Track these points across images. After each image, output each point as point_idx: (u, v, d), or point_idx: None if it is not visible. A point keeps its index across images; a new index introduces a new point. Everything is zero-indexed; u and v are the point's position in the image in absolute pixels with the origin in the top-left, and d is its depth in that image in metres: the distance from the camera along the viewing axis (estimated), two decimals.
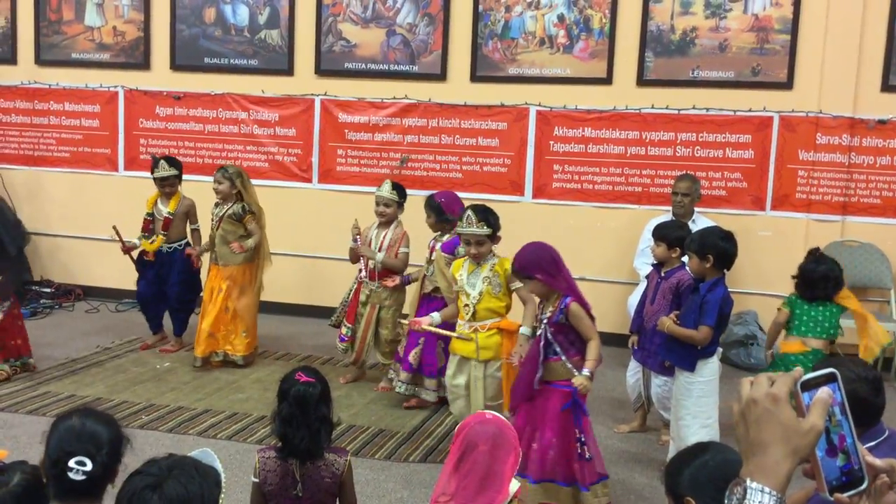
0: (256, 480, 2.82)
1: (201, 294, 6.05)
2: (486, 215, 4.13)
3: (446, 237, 5.08)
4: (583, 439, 3.67)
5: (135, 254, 6.14)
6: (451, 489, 2.52)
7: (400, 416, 5.08)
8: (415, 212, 5.48)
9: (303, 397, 2.75)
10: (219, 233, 5.80)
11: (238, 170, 5.92)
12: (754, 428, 1.06)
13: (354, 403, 5.27)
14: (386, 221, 5.41)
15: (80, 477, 1.98)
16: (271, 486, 2.80)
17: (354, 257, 5.49)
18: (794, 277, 4.42)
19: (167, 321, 6.30)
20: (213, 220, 5.89)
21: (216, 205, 5.90)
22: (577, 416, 3.66)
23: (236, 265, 5.80)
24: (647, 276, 4.75)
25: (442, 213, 5.12)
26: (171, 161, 6.13)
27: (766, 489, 1.04)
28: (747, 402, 1.08)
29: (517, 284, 4.13)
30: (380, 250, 5.37)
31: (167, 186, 6.06)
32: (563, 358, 3.67)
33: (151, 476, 1.79)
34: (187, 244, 6.16)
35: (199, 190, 6.40)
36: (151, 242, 6.07)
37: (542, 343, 3.67)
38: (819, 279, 4.31)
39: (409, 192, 6.00)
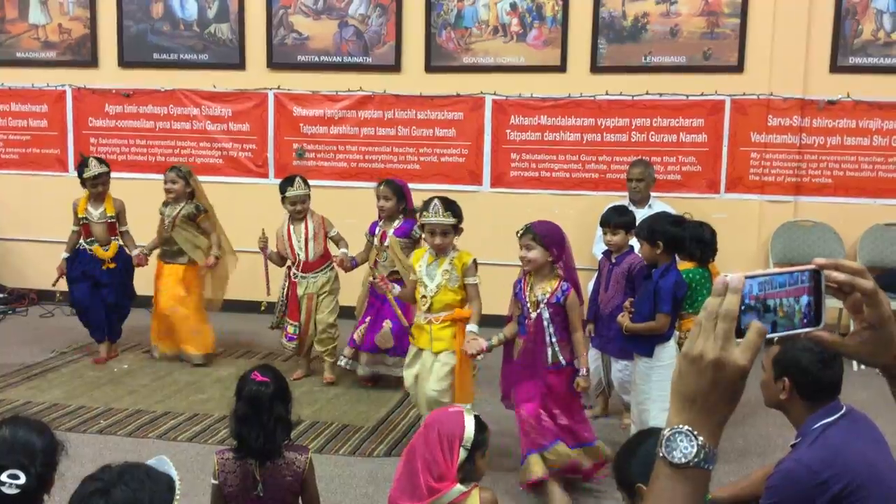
0: (216, 482, 2.79)
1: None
2: (451, 206, 4.17)
3: (396, 223, 5.18)
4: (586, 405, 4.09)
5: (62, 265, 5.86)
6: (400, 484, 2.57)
7: (364, 411, 5.06)
8: (369, 203, 5.45)
9: (255, 397, 2.72)
10: (174, 232, 5.76)
11: (189, 169, 5.90)
12: (686, 381, 1.03)
13: (317, 399, 5.24)
14: (302, 217, 5.43)
15: (13, 491, 1.91)
16: (231, 488, 2.77)
17: (278, 260, 5.52)
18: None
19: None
20: (164, 219, 5.81)
21: (165, 204, 5.84)
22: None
23: (194, 264, 5.84)
24: (599, 264, 4.76)
25: (403, 197, 5.20)
26: (99, 159, 5.83)
27: (697, 434, 1.01)
28: (694, 358, 1.02)
29: (472, 280, 4.17)
30: (306, 243, 5.42)
31: (100, 185, 5.74)
32: (553, 340, 3.83)
33: (101, 481, 1.75)
34: (122, 247, 5.91)
35: (147, 188, 6.25)
36: (105, 250, 5.82)
37: (543, 324, 3.82)
38: (710, 240, 4.44)
39: (367, 184, 5.92)
